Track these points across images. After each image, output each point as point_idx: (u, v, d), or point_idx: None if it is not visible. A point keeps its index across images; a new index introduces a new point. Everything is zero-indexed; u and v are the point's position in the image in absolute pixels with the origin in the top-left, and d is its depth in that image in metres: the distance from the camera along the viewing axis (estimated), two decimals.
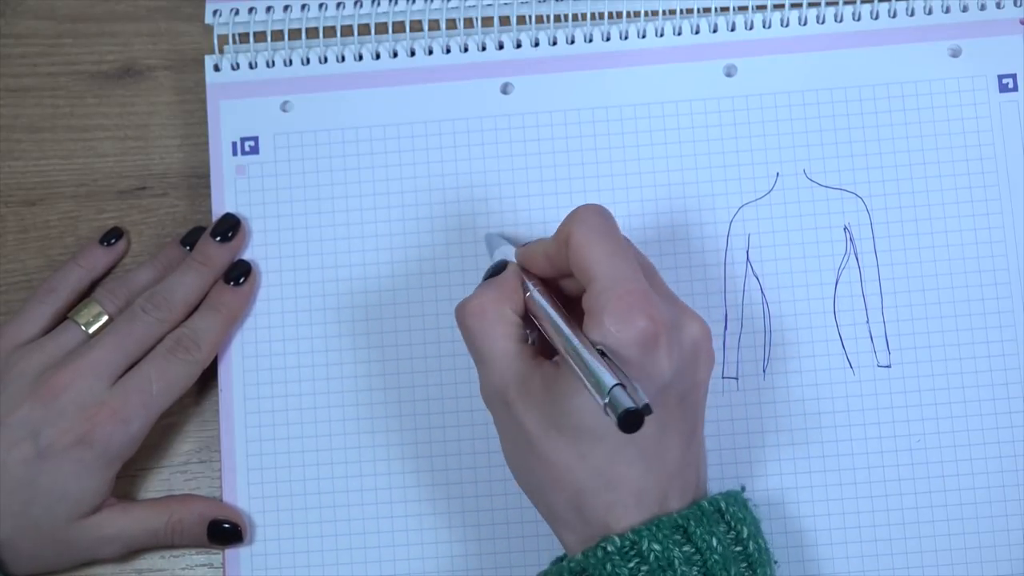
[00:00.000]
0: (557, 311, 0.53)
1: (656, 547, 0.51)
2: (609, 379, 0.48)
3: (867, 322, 0.62)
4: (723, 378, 0.62)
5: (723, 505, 0.54)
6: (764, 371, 0.62)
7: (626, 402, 0.47)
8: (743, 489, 0.57)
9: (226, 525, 0.61)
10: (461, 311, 0.55)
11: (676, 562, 0.51)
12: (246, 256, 0.64)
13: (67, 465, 0.58)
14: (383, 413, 0.62)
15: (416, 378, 0.62)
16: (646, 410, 0.47)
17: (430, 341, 0.63)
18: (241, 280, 0.62)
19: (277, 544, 0.62)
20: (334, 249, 0.64)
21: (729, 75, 0.64)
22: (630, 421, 0.47)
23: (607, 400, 0.48)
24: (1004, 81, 0.64)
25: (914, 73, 0.64)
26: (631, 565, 0.51)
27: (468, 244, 0.63)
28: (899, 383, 0.61)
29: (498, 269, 0.57)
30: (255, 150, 0.65)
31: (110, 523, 0.60)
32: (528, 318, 0.55)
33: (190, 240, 0.63)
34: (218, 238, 0.62)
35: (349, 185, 0.64)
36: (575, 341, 0.51)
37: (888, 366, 0.62)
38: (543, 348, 0.55)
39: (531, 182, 0.64)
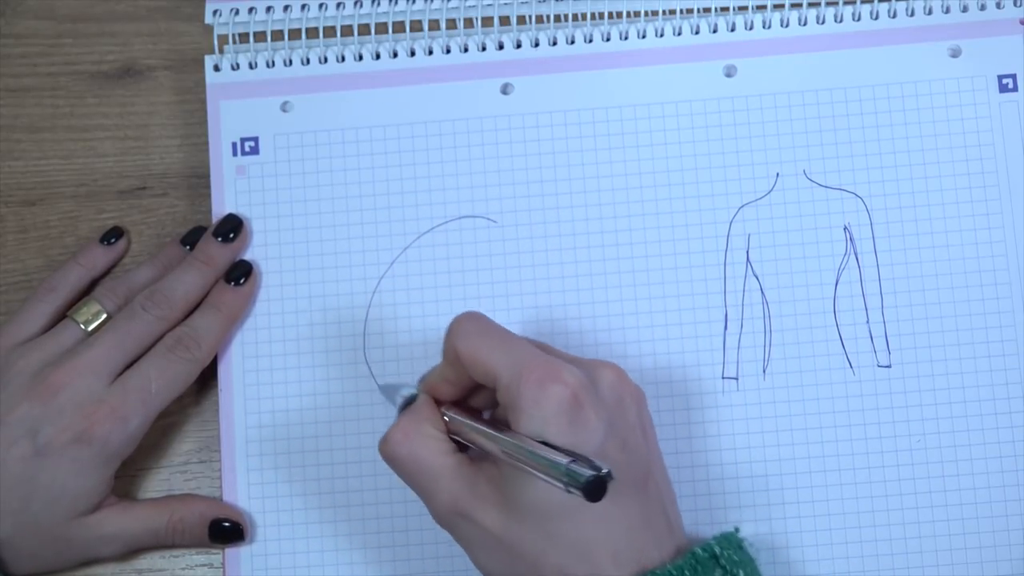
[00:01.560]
0: (479, 422, 0.54)
1: None
2: (560, 459, 0.48)
3: (867, 322, 0.62)
4: (723, 378, 0.62)
5: (717, 550, 0.54)
6: (764, 371, 0.62)
7: (585, 473, 0.47)
8: (737, 530, 0.57)
9: (227, 524, 0.61)
10: (385, 445, 0.55)
11: None
12: (247, 256, 0.63)
13: (65, 463, 0.58)
14: (384, 413, 0.62)
15: (417, 377, 0.62)
16: (608, 476, 0.47)
17: (430, 341, 0.63)
18: (242, 280, 0.62)
19: (277, 544, 0.62)
20: (334, 249, 0.64)
21: (729, 75, 0.64)
22: (595, 489, 0.47)
23: (566, 479, 0.48)
24: (1004, 81, 0.64)
25: (914, 73, 0.64)
26: None
27: (468, 244, 0.63)
28: (899, 383, 0.61)
29: (409, 401, 0.57)
30: (255, 150, 0.65)
31: (110, 522, 0.60)
32: (454, 440, 0.55)
33: (190, 240, 0.63)
34: (220, 238, 0.62)
35: (349, 185, 0.64)
36: (512, 439, 0.51)
37: (888, 366, 0.62)
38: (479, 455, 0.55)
39: (531, 182, 0.64)
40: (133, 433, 0.59)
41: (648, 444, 0.55)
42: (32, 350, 0.60)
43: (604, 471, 0.47)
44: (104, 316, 0.61)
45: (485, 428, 0.53)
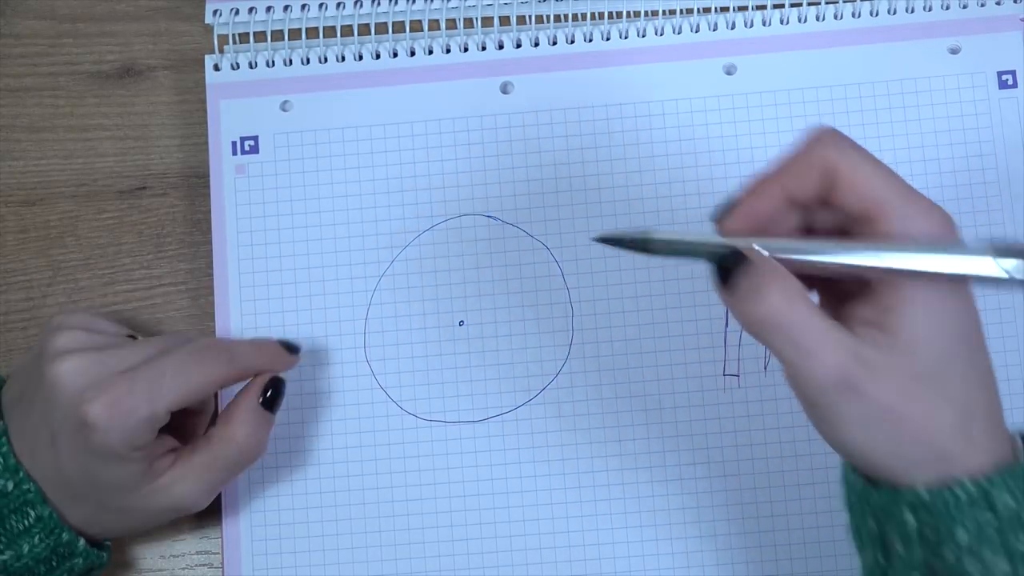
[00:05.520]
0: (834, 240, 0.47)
1: (1010, 502, 0.45)
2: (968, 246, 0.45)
3: None
4: (724, 375, 0.62)
5: None
6: (765, 368, 0.62)
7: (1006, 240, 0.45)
8: None
9: (272, 391, 0.59)
10: (760, 307, 0.45)
11: None
12: (244, 257, 0.63)
13: (81, 453, 0.54)
14: (384, 412, 0.62)
15: (417, 376, 0.62)
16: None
17: (430, 340, 0.63)
18: (292, 351, 0.60)
19: (278, 544, 0.61)
20: (334, 248, 0.64)
21: (729, 73, 0.64)
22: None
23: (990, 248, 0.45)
24: (1004, 78, 0.64)
25: (914, 70, 0.64)
26: (980, 517, 0.45)
27: (468, 243, 0.63)
28: None
29: (732, 258, 0.47)
30: (255, 150, 0.65)
31: (178, 489, 0.56)
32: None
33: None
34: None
35: (349, 184, 0.64)
36: (898, 243, 0.45)
37: None
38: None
39: (531, 180, 0.64)
40: (134, 426, 0.54)
41: None
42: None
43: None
44: None
45: (860, 242, 0.46)
